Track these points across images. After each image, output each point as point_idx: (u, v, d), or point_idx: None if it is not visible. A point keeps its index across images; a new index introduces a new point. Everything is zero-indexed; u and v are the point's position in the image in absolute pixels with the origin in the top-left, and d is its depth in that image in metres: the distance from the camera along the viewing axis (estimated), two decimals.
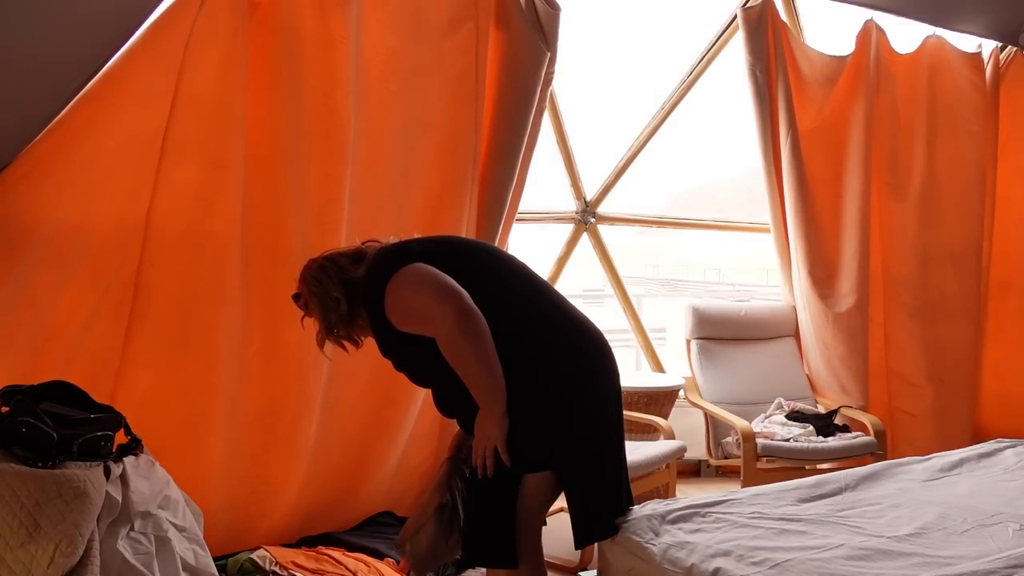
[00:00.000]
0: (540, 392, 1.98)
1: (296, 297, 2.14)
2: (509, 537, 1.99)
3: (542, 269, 2.46)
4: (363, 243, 2.18)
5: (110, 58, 2.46)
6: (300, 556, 2.72)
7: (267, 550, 2.71)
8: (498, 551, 2.00)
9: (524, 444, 1.95)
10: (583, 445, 2.02)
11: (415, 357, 2.05)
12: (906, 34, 4.48)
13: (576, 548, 2.15)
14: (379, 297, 1.97)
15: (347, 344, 2.13)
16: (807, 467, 3.66)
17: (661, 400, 4.00)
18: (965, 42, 4.59)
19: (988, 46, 4.62)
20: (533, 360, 1.98)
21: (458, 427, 2.18)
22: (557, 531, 2.10)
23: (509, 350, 1.92)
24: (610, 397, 2.07)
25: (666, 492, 3.41)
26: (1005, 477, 2.77)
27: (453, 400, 2.04)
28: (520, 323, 2.00)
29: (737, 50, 4.18)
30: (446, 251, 2.08)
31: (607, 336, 2.13)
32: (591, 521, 2.08)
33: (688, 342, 4.27)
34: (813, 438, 3.69)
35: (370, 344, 2.13)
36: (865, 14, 4.30)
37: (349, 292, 2.04)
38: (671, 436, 3.58)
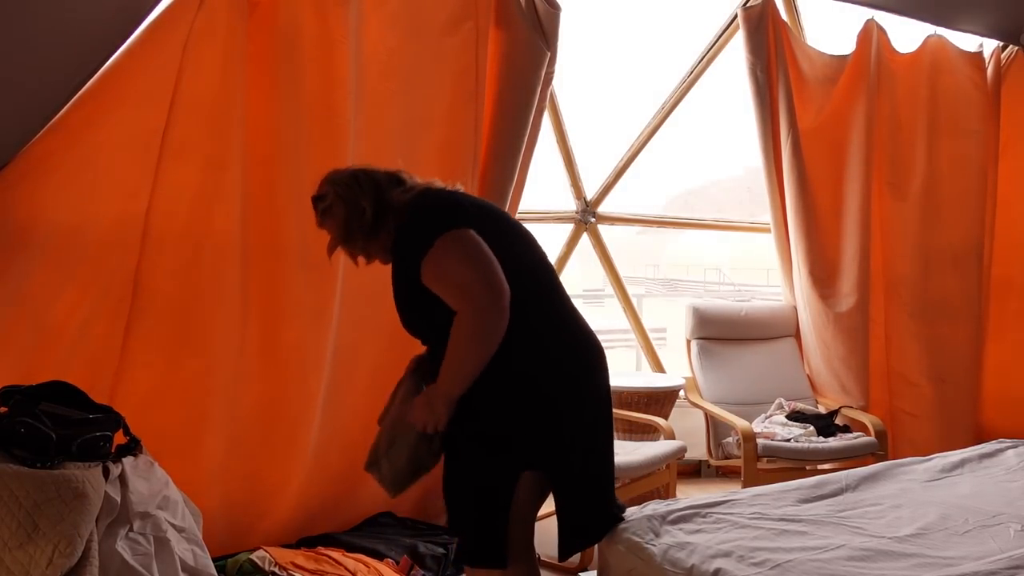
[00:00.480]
0: (537, 383, 1.96)
1: (318, 200, 2.04)
2: (500, 537, 1.96)
3: None
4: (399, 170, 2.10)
5: (109, 57, 2.46)
6: (299, 557, 2.71)
7: (266, 551, 2.70)
8: (487, 551, 1.98)
9: (514, 440, 1.94)
10: (574, 446, 2.00)
11: (424, 310, 1.98)
12: (907, 33, 4.48)
13: (559, 560, 2.11)
14: (425, 245, 1.91)
15: (359, 258, 2.08)
16: (808, 467, 3.65)
17: (661, 400, 3.99)
18: (966, 41, 4.58)
19: (989, 45, 4.62)
20: (534, 353, 1.96)
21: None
22: (557, 532, 2.09)
23: (511, 331, 1.89)
24: (603, 400, 2.07)
25: (666, 492, 3.41)
26: (1006, 477, 2.76)
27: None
28: (526, 312, 1.97)
29: (737, 50, 4.18)
30: (488, 219, 2.04)
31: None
32: (574, 529, 2.06)
33: (688, 342, 4.27)
34: (814, 438, 3.69)
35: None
36: (866, 13, 4.30)
37: (379, 208, 1.99)
38: (671, 436, 3.58)
